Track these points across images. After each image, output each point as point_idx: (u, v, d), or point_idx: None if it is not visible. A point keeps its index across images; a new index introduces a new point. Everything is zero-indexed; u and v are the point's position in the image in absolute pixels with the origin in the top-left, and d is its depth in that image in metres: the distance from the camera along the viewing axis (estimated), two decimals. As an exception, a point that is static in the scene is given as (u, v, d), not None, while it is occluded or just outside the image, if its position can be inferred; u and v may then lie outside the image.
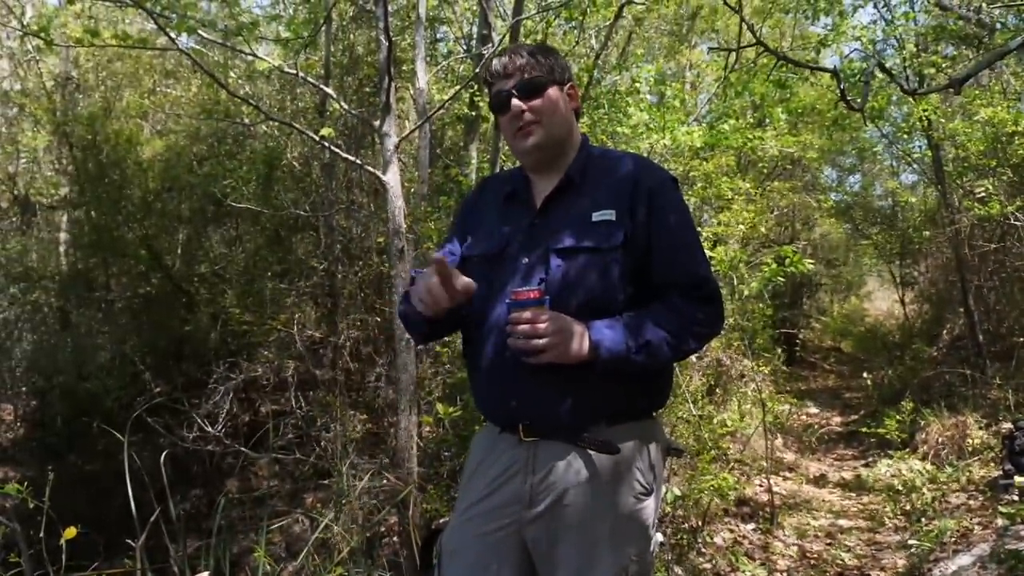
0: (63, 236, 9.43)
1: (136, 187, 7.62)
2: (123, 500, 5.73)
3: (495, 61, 1.91)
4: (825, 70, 5.09)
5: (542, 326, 1.68)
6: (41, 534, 2.58)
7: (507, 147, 6.60)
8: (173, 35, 4.48)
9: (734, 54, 6.41)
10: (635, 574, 1.78)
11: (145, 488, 4.21)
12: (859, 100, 4.17)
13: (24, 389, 7.74)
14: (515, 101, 1.86)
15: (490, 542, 1.83)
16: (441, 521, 4.64)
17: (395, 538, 5.22)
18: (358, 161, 5.19)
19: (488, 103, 1.99)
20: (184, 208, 7.85)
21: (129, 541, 2.74)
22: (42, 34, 4.31)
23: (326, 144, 4.99)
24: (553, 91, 1.89)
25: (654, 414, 1.95)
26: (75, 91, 8.93)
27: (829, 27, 7.54)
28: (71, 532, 3.07)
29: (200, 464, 6.64)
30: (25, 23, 7.53)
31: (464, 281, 1.73)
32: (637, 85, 6.88)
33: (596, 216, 1.82)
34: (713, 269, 5.97)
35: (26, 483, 2.81)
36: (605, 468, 1.77)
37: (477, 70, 6.22)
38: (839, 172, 15.34)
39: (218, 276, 7.52)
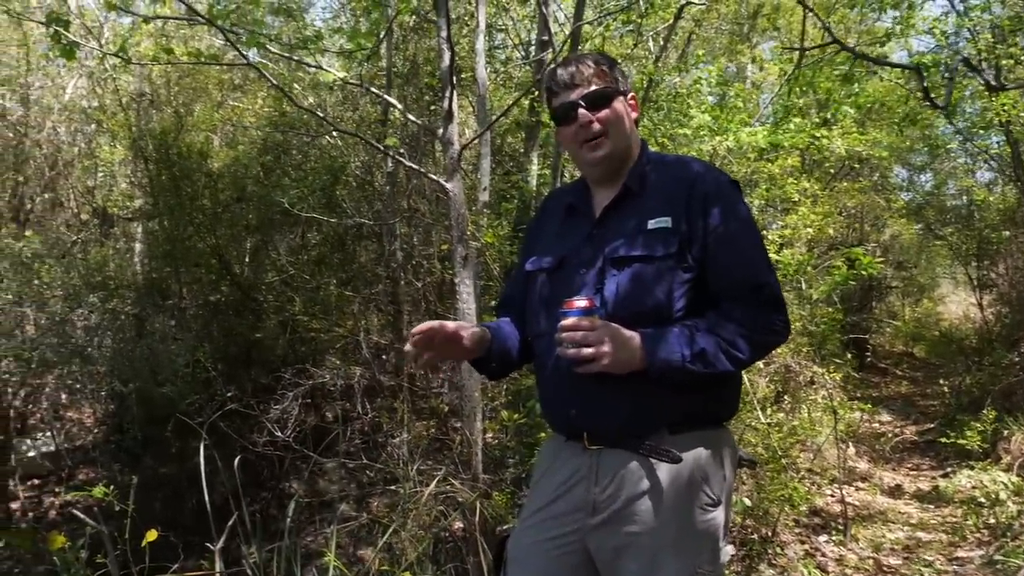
0: (138, 247, 9.77)
1: (207, 198, 7.84)
2: (196, 502, 5.89)
3: (560, 71, 1.90)
4: (906, 67, 4.93)
5: (590, 335, 1.67)
6: (126, 535, 2.66)
7: (568, 153, 6.59)
8: (243, 50, 4.58)
9: (803, 52, 6.25)
10: None
11: (217, 491, 4.32)
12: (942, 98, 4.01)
13: (103, 393, 8.05)
14: (582, 112, 1.85)
15: (552, 548, 1.83)
16: (505, 527, 4.65)
17: (459, 544, 5.24)
18: (421, 170, 5.24)
19: (550, 113, 1.97)
20: (252, 218, 8.05)
21: (208, 544, 2.81)
22: (121, 54, 4.46)
23: (390, 153, 5.05)
24: (619, 102, 1.89)
25: (724, 424, 1.91)
26: (149, 107, 9.26)
27: (897, 19, 7.32)
28: (152, 535, 3.17)
29: (269, 467, 6.78)
30: (102, 43, 7.83)
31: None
32: (698, 87, 6.80)
33: (652, 224, 1.80)
34: (780, 273, 5.87)
35: (111, 485, 2.91)
36: (669, 478, 1.75)
37: (538, 76, 6.22)
38: (909, 170, 14.87)
39: (285, 284, 7.68)
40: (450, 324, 1.81)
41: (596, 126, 1.85)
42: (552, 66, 2.01)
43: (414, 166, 5.14)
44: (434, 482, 4.62)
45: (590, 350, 1.67)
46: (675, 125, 6.39)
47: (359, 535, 5.70)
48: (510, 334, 2.03)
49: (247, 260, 8.25)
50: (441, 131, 4.80)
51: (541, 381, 1.96)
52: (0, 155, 9.23)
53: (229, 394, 6.79)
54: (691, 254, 1.77)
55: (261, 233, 8.06)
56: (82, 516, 2.54)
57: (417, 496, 4.62)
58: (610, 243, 1.83)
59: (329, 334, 6.66)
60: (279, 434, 5.61)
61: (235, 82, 10.14)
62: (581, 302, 1.72)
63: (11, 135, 9.29)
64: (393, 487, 5.53)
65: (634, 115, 1.95)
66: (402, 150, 6.69)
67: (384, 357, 7.08)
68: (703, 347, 1.70)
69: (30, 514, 7.60)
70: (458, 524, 5.23)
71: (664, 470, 1.74)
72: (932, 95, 3.70)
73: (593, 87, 1.85)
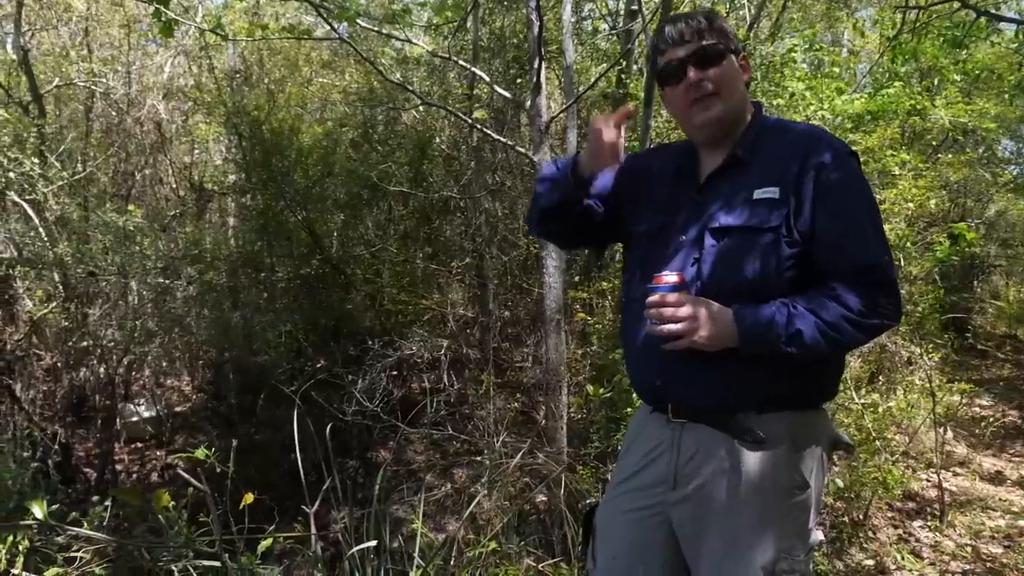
0: (232, 221, 10.10)
1: (298, 173, 8.02)
2: (288, 468, 6.08)
3: (668, 27, 1.81)
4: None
5: (678, 311, 1.62)
6: (226, 497, 2.77)
7: (660, 123, 6.47)
8: (334, 24, 4.64)
9: (907, 13, 5.92)
10: (783, 572, 1.66)
11: (308, 457, 4.45)
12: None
13: (201, 362, 8.40)
14: (692, 69, 1.75)
15: (638, 519, 1.81)
16: (589, 501, 4.63)
17: (543, 516, 5.27)
18: (510, 142, 5.22)
19: (657, 73, 1.86)
20: (341, 193, 8.20)
21: (304, 507, 2.90)
22: (217, 30, 4.58)
23: (478, 127, 5.05)
24: (730, 60, 1.78)
25: (819, 406, 1.81)
26: (243, 84, 9.51)
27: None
28: (249, 498, 3.29)
29: (357, 436, 6.95)
30: (198, 21, 8.07)
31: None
32: (793, 55, 6.55)
33: (758, 194, 1.70)
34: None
35: (212, 449, 3.03)
36: (753, 458, 1.68)
37: (627, 47, 6.10)
38: (1018, 143, 14.03)
39: (373, 257, 7.82)
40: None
41: (707, 85, 1.75)
42: (660, 25, 1.92)
43: (501, 139, 5.13)
44: (519, 455, 4.65)
45: (677, 327, 1.62)
46: (769, 95, 6.18)
47: (444, 504, 5.80)
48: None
49: (336, 234, 8.42)
50: (528, 103, 4.77)
51: (629, 348, 1.91)
52: (105, 132, 9.67)
53: (319, 365, 6.99)
54: (797, 228, 1.66)
55: (350, 208, 8.20)
56: (187, 476, 2.65)
57: (502, 468, 4.66)
58: (711, 211, 1.75)
59: (416, 307, 6.76)
60: (367, 404, 5.74)
61: (323, 59, 10.32)
62: (671, 277, 1.67)
63: (114, 113, 9.70)
64: (478, 458, 5.60)
65: (744, 77, 1.84)
66: (489, 122, 6.69)
67: (469, 330, 7.14)
68: (800, 328, 1.60)
69: (133, 475, 8.02)
70: (542, 497, 5.26)
71: (748, 451, 1.68)
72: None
73: (704, 43, 1.75)
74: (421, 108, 7.86)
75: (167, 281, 7.95)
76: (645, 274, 1.81)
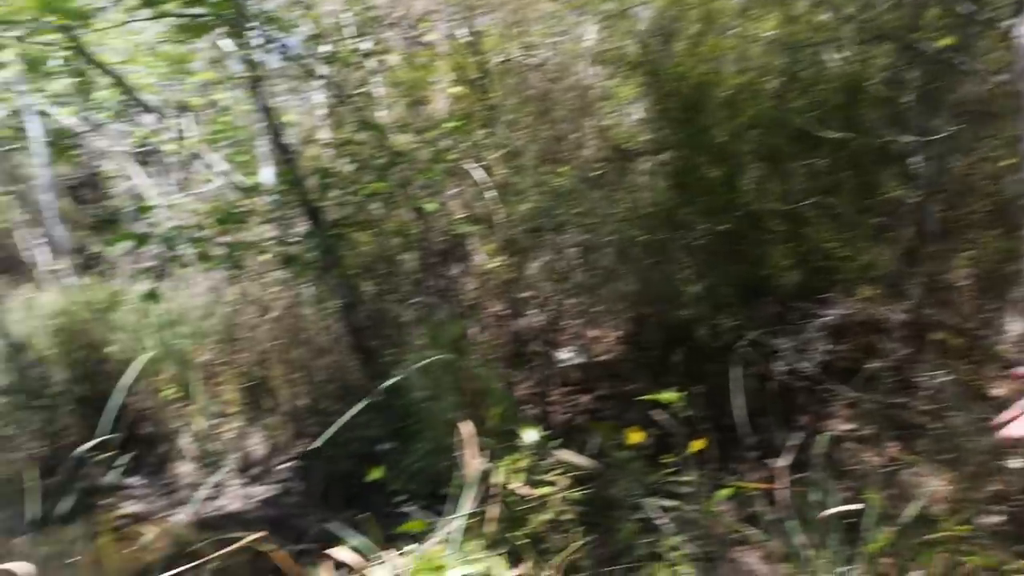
0: (651, 179, 10.27)
1: (718, 127, 7.86)
2: (714, 424, 6.08)
3: None
4: None
5: None
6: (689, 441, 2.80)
7: None
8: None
9: None
10: None
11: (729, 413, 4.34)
12: None
13: (624, 315, 8.79)
14: None
15: None
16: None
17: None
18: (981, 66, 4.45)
19: None
20: (762, 145, 7.86)
21: (766, 462, 2.83)
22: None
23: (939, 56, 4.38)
24: None
25: None
26: (662, 42, 9.54)
27: None
28: (699, 443, 3.34)
29: (780, 397, 6.68)
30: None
31: None
32: None
33: None
34: None
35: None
36: None
37: None
38: None
39: (797, 212, 7.40)
40: None
41: None
42: None
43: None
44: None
45: None
46: None
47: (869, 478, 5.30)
48: None
49: (756, 188, 8.12)
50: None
51: None
52: (539, 101, 10.45)
53: (739, 322, 6.86)
54: None
55: (771, 160, 7.84)
56: (664, 417, 2.74)
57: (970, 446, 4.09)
58: None
59: (854, 264, 6.24)
60: (807, 364, 5.46)
61: (739, 8, 9.92)
62: None
63: (544, 83, 10.42)
64: (941, 429, 4.97)
65: None
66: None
67: (904, 289, 6.39)
68: None
69: (566, 415, 8.69)
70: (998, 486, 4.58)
71: None
72: None
73: None
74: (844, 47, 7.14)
75: (593, 237, 8.39)
76: None
